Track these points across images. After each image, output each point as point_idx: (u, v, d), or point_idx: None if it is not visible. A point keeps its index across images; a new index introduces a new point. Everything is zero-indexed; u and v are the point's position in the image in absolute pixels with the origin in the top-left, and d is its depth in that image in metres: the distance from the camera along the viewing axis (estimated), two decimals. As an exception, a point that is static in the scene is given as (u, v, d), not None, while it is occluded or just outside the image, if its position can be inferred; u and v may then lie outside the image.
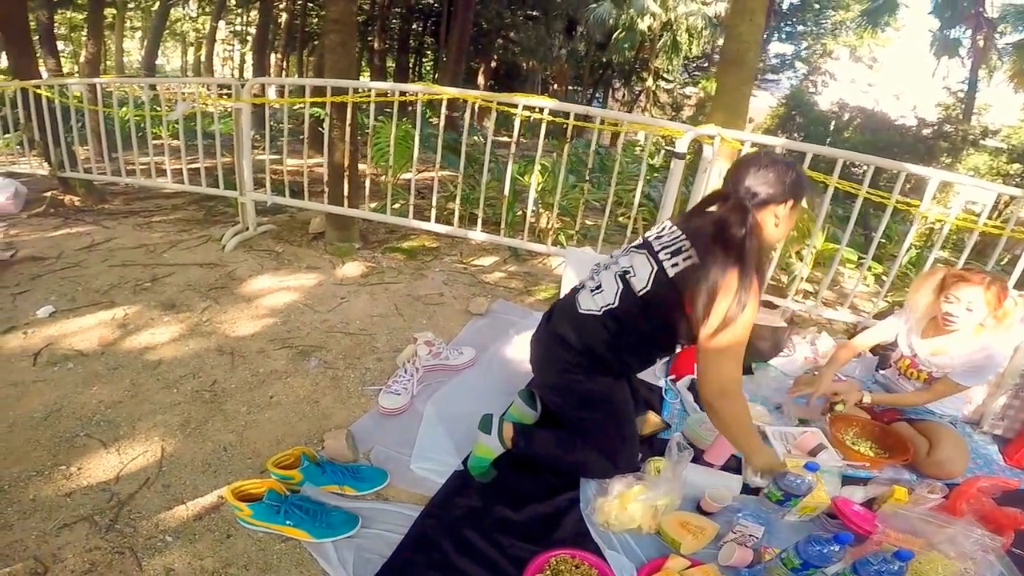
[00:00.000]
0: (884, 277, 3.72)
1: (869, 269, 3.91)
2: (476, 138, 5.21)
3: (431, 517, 1.63)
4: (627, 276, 1.68)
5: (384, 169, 4.10)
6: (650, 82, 19.16)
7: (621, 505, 1.69)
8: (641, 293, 1.63)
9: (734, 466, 2.00)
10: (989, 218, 3.06)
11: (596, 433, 1.79)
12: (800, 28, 22.19)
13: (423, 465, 1.82)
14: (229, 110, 4.00)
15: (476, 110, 4.23)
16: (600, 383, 1.74)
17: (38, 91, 3.97)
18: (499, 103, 3.24)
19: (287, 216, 4.09)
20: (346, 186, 3.50)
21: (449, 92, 3.23)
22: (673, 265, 1.59)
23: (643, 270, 1.65)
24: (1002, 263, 3.13)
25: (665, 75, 20.56)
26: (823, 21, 21.83)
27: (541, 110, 3.12)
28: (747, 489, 1.92)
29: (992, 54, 15.71)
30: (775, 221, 1.60)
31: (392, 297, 2.98)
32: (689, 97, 23.27)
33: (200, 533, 1.50)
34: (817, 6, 20.79)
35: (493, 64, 20.70)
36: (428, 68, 25.03)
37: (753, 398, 2.44)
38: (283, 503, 1.50)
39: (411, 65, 23.08)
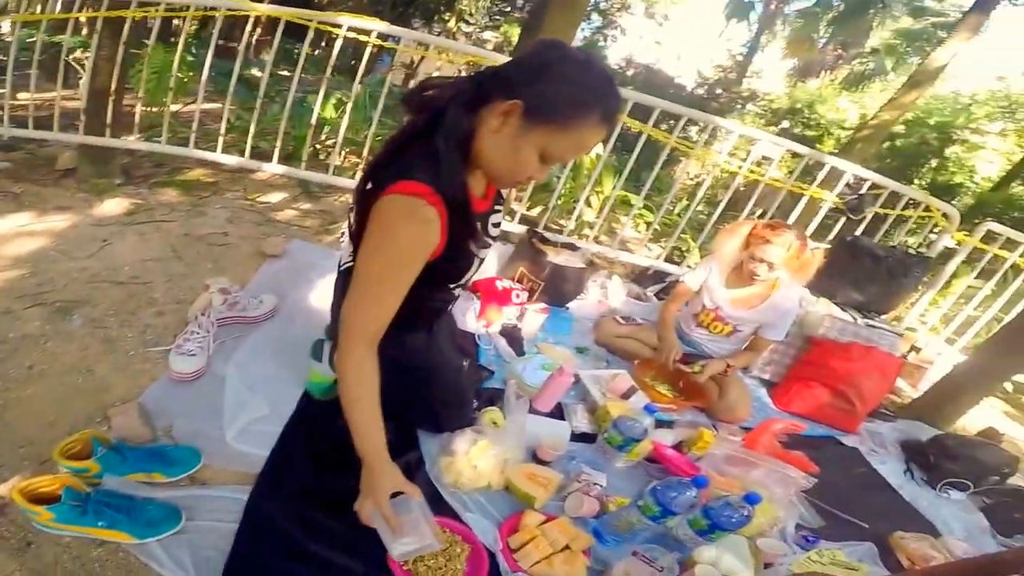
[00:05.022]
0: (656, 226, 4.16)
1: (642, 217, 4.36)
2: (256, 72, 4.73)
3: (266, 499, 1.47)
4: (351, 212, 1.43)
5: (158, 97, 3.50)
6: (452, 23, 18.59)
7: (470, 463, 1.66)
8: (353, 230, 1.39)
9: (557, 413, 2.08)
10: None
11: (416, 399, 1.72)
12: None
13: (241, 437, 1.63)
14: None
15: (255, 42, 3.79)
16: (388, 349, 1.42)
17: None
18: (320, 22, 2.90)
19: (24, 153, 3.35)
20: (109, 114, 2.96)
21: (260, 9, 2.80)
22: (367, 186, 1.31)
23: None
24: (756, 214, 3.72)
25: (468, 18, 20.02)
26: (621, -26, 21.77)
27: (368, 32, 2.90)
28: (574, 436, 1.99)
29: (778, 20, 17.02)
30: (496, 125, 1.19)
31: (166, 237, 2.61)
32: (487, 41, 22.98)
33: None
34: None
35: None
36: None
37: (557, 341, 2.56)
38: (87, 502, 1.26)
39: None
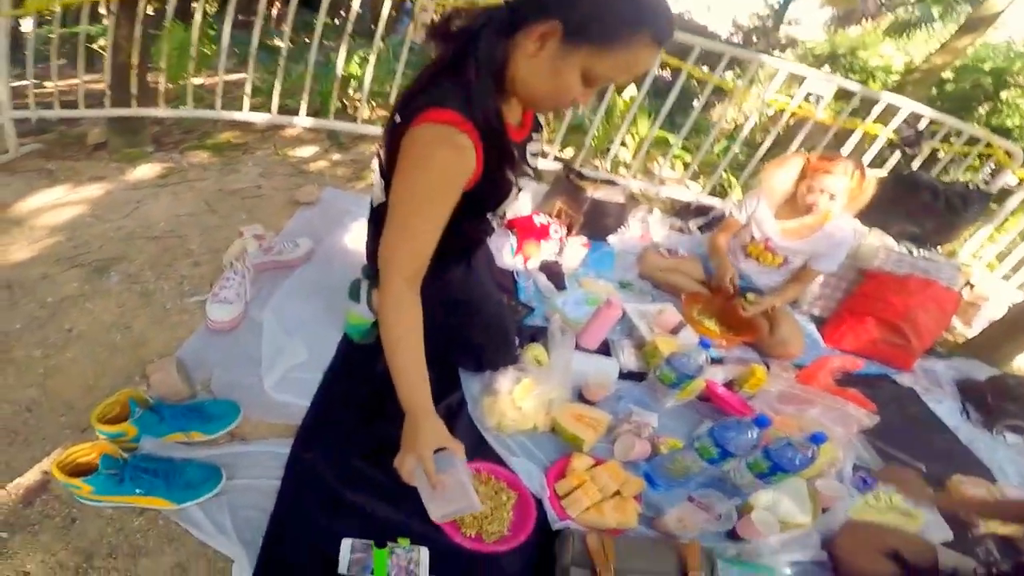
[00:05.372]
0: (695, 168, 4.05)
1: (680, 158, 4.25)
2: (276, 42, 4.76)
3: (308, 450, 1.43)
4: (380, 149, 1.39)
5: (181, 71, 3.47)
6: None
7: (514, 404, 1.59)
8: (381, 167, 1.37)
9: (603, 350, 1.99)
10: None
11: (457, 336, 1.66)
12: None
13: (280, 386, 1.59)
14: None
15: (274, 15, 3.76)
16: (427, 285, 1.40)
17: None
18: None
19: (55, 135, 3.32)
20: (134, 86, 2.92)
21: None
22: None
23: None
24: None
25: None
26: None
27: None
28: (621, 374, 1.90)
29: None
30: (533, 49, 1.10)
31: (200, 194, 2.60)
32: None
33: (38, 522, 1.22)
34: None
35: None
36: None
37: (599, 275, 2.48)
38: (124, 468, 1.22)
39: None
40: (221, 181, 2.78)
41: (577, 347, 1.89)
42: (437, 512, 1.23)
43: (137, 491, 1.23)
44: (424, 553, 1.26)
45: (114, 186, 2.62)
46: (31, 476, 1.30)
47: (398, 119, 1.22)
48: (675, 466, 1.55)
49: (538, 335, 1.96)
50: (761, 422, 1.50)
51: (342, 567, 1.21)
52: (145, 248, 2.12)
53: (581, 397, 1.77)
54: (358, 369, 1.69)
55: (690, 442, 1.56)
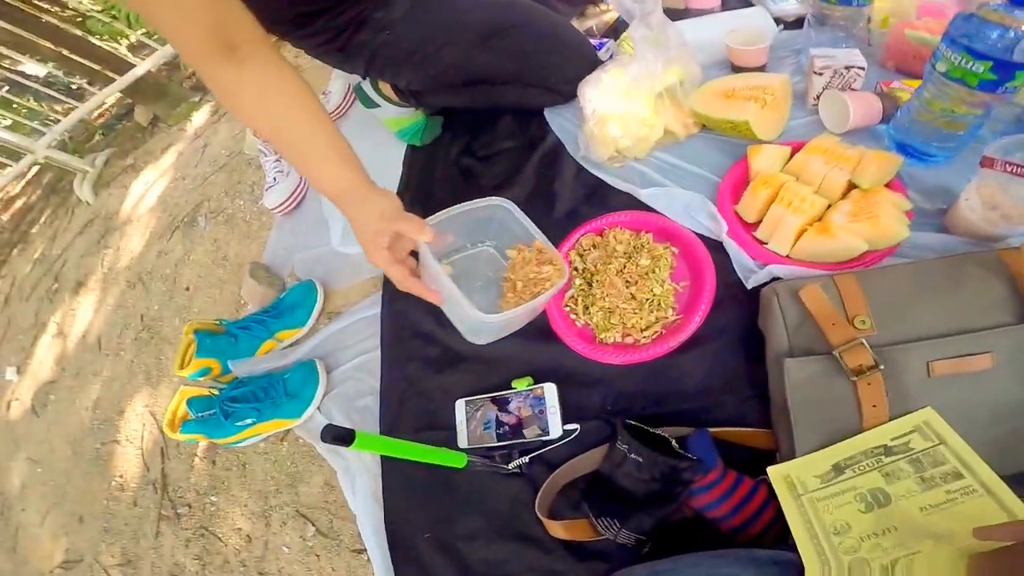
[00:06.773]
0: None
1: None
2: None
3: (398, 297, 1.14)
4: None
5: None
6: None
7: (617, 112, 1.05)
8: None
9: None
10: None
11: (487, 72, 1.22)
12: None
13: (347, 237, 1.35)
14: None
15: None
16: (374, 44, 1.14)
17: None
18: None
19: (120, 135, 3.37)
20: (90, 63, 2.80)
21: None
22: None
23: None
24: None
25: None
26: None
27: None
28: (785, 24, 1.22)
29: None
30: None
31: (247, 108, 2.45)
32: None
33: (224, 478, 1.24)
34: None
35: None
36: None
37: None
38: (215, 404, 1.10)
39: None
40: (262, 81, 2.58)
41: (695, 12, 1.30)
42: (467, 333, 0.93)
43: (250, 421, 1.11)
44: (550, 390, 0.94)
45: (183, 145, 2.60)
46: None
47: None
48: (933, 112, 0.83)
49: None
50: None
51: (461, 440, 0.95)
52: (217, 181, 2.05)
53: (735, 70, 1.17)
54: (425, 171, 1.38)
55: (928, 71, 0.82)
